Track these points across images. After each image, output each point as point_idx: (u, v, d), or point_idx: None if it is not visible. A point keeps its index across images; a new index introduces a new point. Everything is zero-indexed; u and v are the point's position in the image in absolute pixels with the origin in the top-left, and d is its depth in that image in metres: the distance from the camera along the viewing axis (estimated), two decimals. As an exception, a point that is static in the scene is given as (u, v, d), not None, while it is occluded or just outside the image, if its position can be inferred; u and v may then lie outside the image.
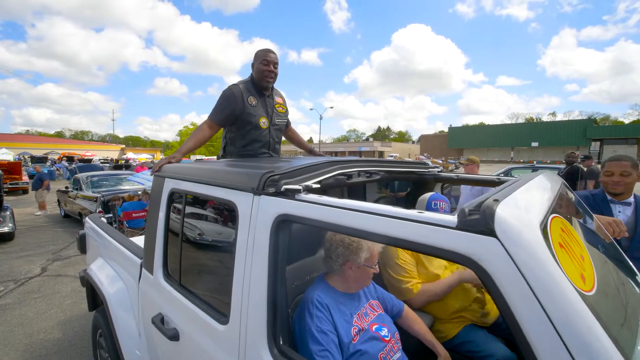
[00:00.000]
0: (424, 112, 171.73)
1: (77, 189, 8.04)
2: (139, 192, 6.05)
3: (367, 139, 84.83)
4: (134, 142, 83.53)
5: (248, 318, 1.02)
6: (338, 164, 1.41)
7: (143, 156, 37.44)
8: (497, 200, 0.64)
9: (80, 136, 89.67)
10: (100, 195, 7.10)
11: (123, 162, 23.81)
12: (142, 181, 6.18)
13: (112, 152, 42.68)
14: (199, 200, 1.42)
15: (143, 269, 1.75)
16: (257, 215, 1.03)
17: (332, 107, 43.95)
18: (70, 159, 27.21)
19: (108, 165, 18.57)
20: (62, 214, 9.14)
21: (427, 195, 1.71)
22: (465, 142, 51.96)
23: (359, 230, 0.79)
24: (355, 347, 1.12)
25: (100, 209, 7.04)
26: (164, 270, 1.55)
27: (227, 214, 1.26)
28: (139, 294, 1.80)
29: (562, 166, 7.04)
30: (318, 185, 1.07)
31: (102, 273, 2.23)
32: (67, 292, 4.30)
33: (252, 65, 2.16)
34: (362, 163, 1.64)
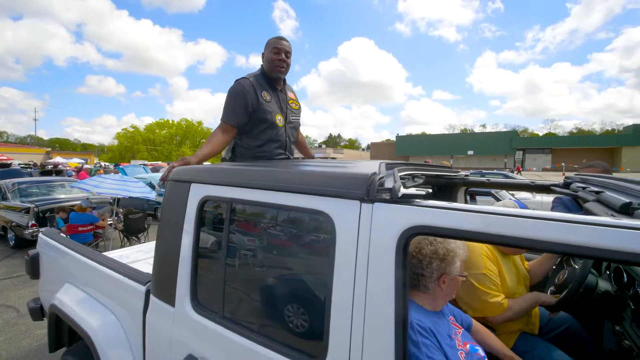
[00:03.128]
0: (371, 121, 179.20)
1: (-1, 199, 6.75)
2: (93, 204, 5.23)
3: (319, 146, 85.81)
4: (61, 145, 73.78)
5: (364, 356, 0.81)
6: (394, 167, 1.26)
7: (74, 160, 33.31)
8: None
9: (-9, 137, 76.98)
10: (32, 205, 6.02)
11: (51, 167, 20.83)
12: (87, 188, 5.34)
13: (34, 156, 37.24)
14: (253, 211, 1.16)
15: (152, 298, 1.40)
16: (371, 228, 0.83)
17: (286, 113, 43.59)
18: (-21, 163, 23.06)
19: (31, 170, 16.03)
20: (-23, 229, 7.61)
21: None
22: (411, 150, 55.27)
23: (557, 244, 0.64)
24: (469, 377, 0.97)
25: (33, 222, 5.98)
26: (193, 299, 1.24)
27: (308, 227, 1.03)
28: (144, 329, 1.44)
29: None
30: (430, 190, 0.91)
31: (76, 303, 1.78)
32: (-3, 327, 3.49)
33: (262, 55, 1.92)
34: (405, 166, 1.50)
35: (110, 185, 5.01)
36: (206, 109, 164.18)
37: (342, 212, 0.88)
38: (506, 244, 0.73)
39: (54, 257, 2.21)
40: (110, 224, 6.12)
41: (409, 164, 1.61)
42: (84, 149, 75.68)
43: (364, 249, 0.84)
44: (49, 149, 47.69)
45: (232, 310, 1.16)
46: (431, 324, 1.02)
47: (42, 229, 6.13)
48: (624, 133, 40.05)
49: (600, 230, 0.62)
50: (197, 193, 1.27)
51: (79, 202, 6.58)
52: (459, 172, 2.05)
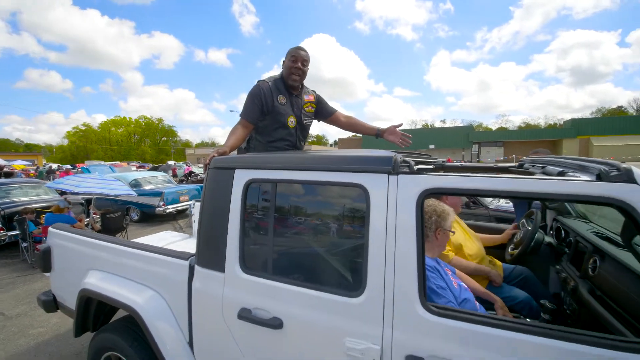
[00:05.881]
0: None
1: (-45, 204, 6.27)
2: (69, 204, 5.09)
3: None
4: (1, 146, 66.71)
5: (395, 284, 1.16)
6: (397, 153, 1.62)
7: (19, 162, 30.56)
8: (624, 162, 0.96)
9: None
10: (-1, 208, 5.72)
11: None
12: (67, 188, 5.20)
13: (-30, 159, 33.49)
14: (294, 188, 1.46)
15: (198, 269, 1.65)
16: (397, 193, 1.18)
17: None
18: None
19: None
20: None
21: None
22: (376, 145, 56.83)
23: (517, 192, 1.03)
24: (461, 296, 1.36)
25: (0, 226, 5.70)
26: (242, 264, 1.52)
27: (345, 197, 1.35)
28: (190, 296, 1.68)
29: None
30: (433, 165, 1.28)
31: (112, 285, 1.96)
32: (-13, 329, 3.42)
33: (283, 62, 2.16)
34: (399, 152, 1.88)
35: (92, 185, 4.92)
36: (165, 105, 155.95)
37: (374, 183, 1.22)
38: (491, 196, 1.11)
39: (71, 248, 2.32)
40: (87, 225, 5.99)
41: (401, 151, 1.99)
42: (28, 149, 68.96)
43: (392, 208, 1.18)
44: (-12, 151, 43.05)
45: (280, 267, 1.46)
46: (434, 263, 1.40)
47: (10, 233, 5.87)
48: (564, 127, 44.42)
49: (545, 182, 1.02)
50: (241, 177, 1.54)
51: (44, 204, 6.34)
52: (437, 159, 2.47)
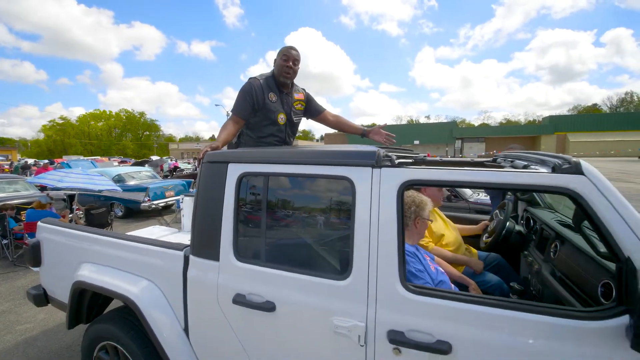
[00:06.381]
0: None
1: None
2: (51, 199, 5.00)
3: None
4: (-29, 141, 63.25)
5: (378, 267, 1.28)
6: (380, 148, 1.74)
7: (-9, 158, 29.28)
8: (575, 156, 1.11)
9: None
10: (-24, 205, 5.54)
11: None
12: (50, 183, 5.09)
13: (-63, 154, 31.83)
14: (285, 181, 1.55)
15: (193, 258, 1.73)
16: (380, 184, 1.30)
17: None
18: None
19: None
20: None
21: None
22: (362, 140, 56.31)
23: (484, 183, 1.17)
24: (437, 279, 1.50)
25: (-22, 223, 5.53)
26: (236, 252, 1.61)
27: (332, 189, 1.46)
28: (185, 284, 1.76)
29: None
30: (413, 160, 1.40)
31: (106, 276, 2.01)
32: (-29, 326, 3.38)
33: (275, 60, 2.23)
34: (382, 148, 2.01)
35: (75, 179, 4.85)
36: (147, 98, 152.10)
37: (359, 176, 1.33)
38: (462, 187, 1.24)
39: (63, 242, 2.35)
40: (71, 221, 5.89)
41: (384, 147, 2.11)
42: (1, 144, 65.81)
43: (375, 199, 1.30)
44: (-43, 145, 40.91)
45: (272, 254, 1.56)
46: (413, 249, 1.53)
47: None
48: (542, 124, 45.99)
49: (508, 174, 1.16)
50: (235, 170, 1.62)
51: (24, 200, 6.20)
52: (419, 154, 2.61)
